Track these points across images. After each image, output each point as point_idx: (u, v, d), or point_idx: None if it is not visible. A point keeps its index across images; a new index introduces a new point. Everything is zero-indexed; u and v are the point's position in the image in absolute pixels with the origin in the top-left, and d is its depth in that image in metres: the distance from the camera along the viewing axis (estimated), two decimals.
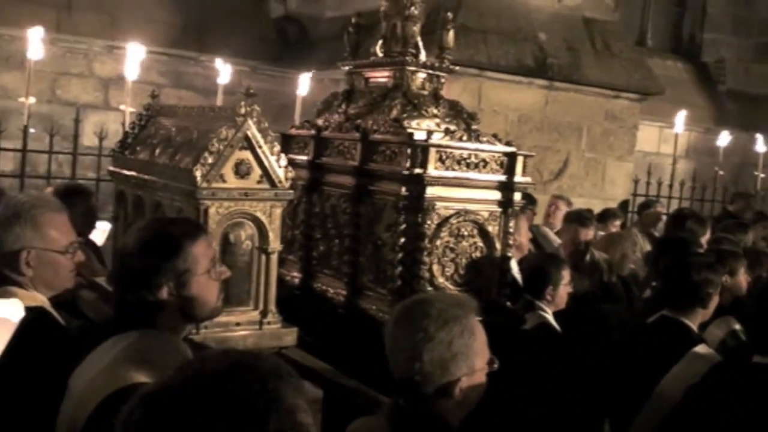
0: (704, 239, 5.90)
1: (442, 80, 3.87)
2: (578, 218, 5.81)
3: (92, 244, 4.75)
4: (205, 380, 1.18)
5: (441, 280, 3.46)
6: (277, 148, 3.20)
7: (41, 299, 2.54)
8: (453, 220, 3.45)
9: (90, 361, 2.09)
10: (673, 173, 8.64)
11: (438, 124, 3.64)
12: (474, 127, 3.71)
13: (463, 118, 3.76)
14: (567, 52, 8.11)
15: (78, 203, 4.18)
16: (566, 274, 4.22)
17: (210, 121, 3.33)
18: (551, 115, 8.07)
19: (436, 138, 3.42)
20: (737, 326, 4.05)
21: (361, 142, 3.63)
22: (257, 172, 3.15)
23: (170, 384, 1.20)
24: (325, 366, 3.48)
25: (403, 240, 3.38)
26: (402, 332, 2.17)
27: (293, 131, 4.23)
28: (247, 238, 3.19)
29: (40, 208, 2.58)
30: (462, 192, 3.45)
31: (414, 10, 3.77)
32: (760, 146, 9.11)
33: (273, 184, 3.18)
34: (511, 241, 3.63)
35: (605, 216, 6.99)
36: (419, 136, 3.43)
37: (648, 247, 6.47)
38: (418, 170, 3.33)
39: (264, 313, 3.23)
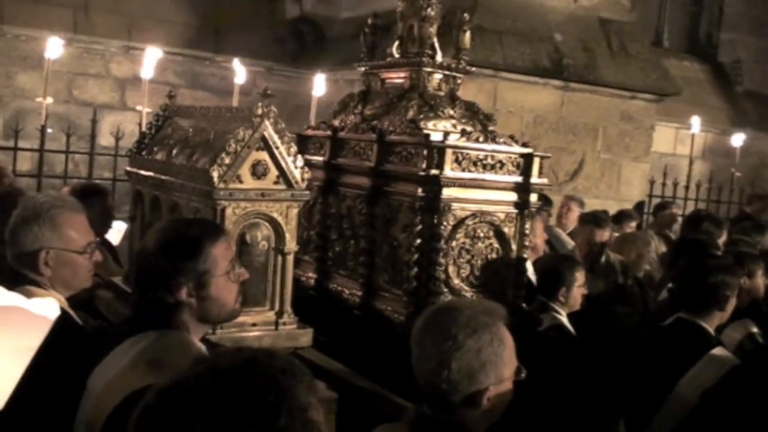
0: (721, 241, 5.86)
1: (459, 81, 3.86)
2: (593, 219, 5.79)
3: (108, 243, 4.78)
4: (219, 374, 1.20)
5: (456, 281, 3.46)
6: (294, 148, 3.21)
7: (59, 299, 2.55)
8: (469, 222, 3.44)
9: (108, 362, 2.10)
10: (689, 174, 8.59)
11: (454, 125, 3.64)
12: (490, 128, 3.71)
13: (479, 119, 3.75)
14: (583, 53, 8.08)
15: (94, 203, 4.20)
16: (580, 276, 4.21)
17: (227, 121, 3.34)
18: (567, 116, 8.05)
19: (453, 139, 3.42)
20: (755, 329, 4.03)
21: (377, 143, 3.63)
22: (274, 172, 3.16)
23: (185, 377, 1.23)
24: (341, 367, 3.48)
25: (418, 241, 3.38)
26: (429, 339, 2.12)
27: (309, 132, 4.23)
28: (264, 238, 3.20)
29: (58, 208, 2.60)
30: (478, 193, 3.44)
31: (431, 11, 3.76)
32: None
33: (289, 185, 3.19)
34: (527, 243, 3.63)
35: (621, 217, 6.96)
36: (435, 137, 3.43)
37: (663, 248, 6.44)
38: (434, 171, 3.33)
39: (280, 314, 3.24)
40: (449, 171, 3.34)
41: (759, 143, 10.10)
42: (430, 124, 3.59)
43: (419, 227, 3.38)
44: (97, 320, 3.26)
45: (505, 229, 3.53)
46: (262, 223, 3.19)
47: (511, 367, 2.14)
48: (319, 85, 6.68)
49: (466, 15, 3.91)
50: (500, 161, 3.47)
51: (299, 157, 3.23)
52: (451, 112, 3.70)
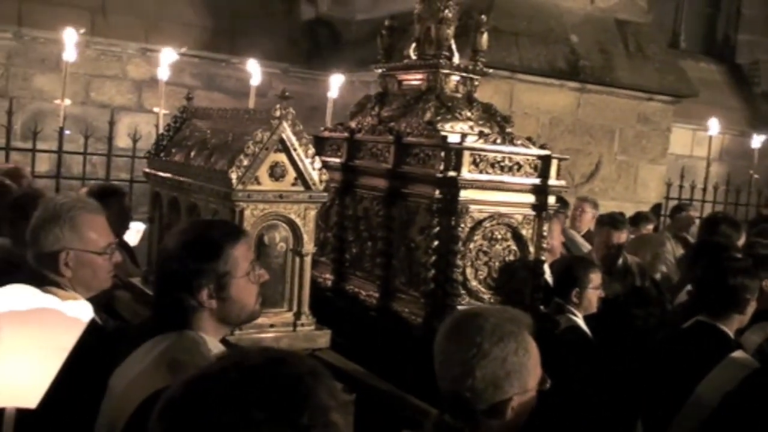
0: (739, 244, 5.82)
1: (476, 83, 3.86)
2: (611, 221, 5.77)
3: (125, 244, 4.80)
4: (245, 370, 1.21)
5: (474, 283, 3.46)
6: (312, 150, 3.21)
7: (80, 300, 2.56)
8: (486, 224, 3.44)
9: (130, 362, 2.11)
10: (706, 176, 8.53)
11: (472, 127, 3.63)
12: (508, 129, 3.70)
13: (496, 121, 3.74)
14: (599, 54, 8.06)
15: (112, 204, 4.22)
16: (595, 278, 4.19)
17: (245, 123, 3.35)
18: (583, 117, 8.02)
19: (470, 141, 3.41)
20: None
21: (394, 145, 3.63)
22: (292, 174, 3.17)
23: (211, 371, 1.24)
24: (358, 368, 3.48)
25: (436, 243, 3.38)
26: (453, 346, 2.07)
27: (326, 133, 4.24)
28: (282, 240, 3.21)
29: (78, 209, 2.61)
30: (496, 195, 3.44)
31: (448, 13, 3.76)
32: None
33: (307, 187, 3.20)
34: (544, 245, 3.62)
35: (638, 219, 6.93)
36: (453, 138, 3.43)
37: (681, 251, 6.40)
38: (451, 173, 3.33)
39: (297, 315, 3.25)
40: (467, 173, 3.34)
41: None
42: (447, 126, 3.58)
43: (437, 229, 3.38)
44: (116, 321, 3.28)
45: (523, 231, 3.52)
46: (280, 224, 3.20)
47: (536, 376, 2.09)
48: (335, 86, 6.69)
49: (483, 17, 3.91)
50: (518, 163, 3.46)
51: (317, 158, 3.23)
52: (469, 114, 3.69)
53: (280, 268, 3.22)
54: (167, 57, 6.10)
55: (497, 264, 3.50)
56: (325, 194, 3.29)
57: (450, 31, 3.80)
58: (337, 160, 4.00)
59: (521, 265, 3.54)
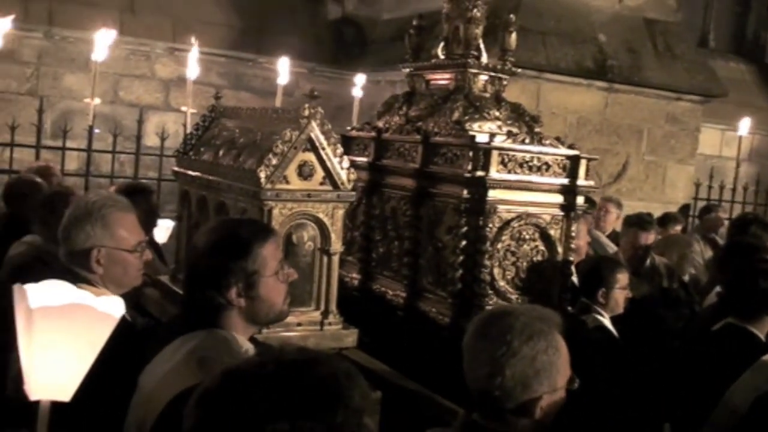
0: None
1: (504, 82, 3.84)
2: (638, 222, 5.72)
3: (153, 242, 4.83)
4: (282, 365, 1.24)
5: (502, 283, 3.44)
6: (340, 149, 3.22)
7: (112, 296, 2.58)
8: (514, 224, 3.42)
9: (159, 360, 2.12)
10: (736, 177, 8.42)
11: (500, 127, 3.62)
12: (536, 129, 3.68)
13: (525, 121, 3.73)
14: (627, 54, 8.00)
15: (140, 202, 4.24)
16: (622, 278, 4.15)
17: (273, 122, 3.36)
18: (611, 117, 7.97)
19: (498, 141, 3.40)
20: None
21: (422, 145, 3.63)
22: (320, 173, 3.18)
23: (250, 363, 1.27)
24: (385, 368, 3.48)
25: (464, 243, 3.37)
26: (483, 344, 2.07)
27: (353, 133, 4.24)
28: (310, 239, 3.22)
29: (109, 207, 2.63)
30: (524, 195, 3.42)
31: (476, 12, 3.75)
32: None
33: (335, 186, 3.20)
34: (572, 245, 3.59)
35: (666, 220, 6.87)
36: (481, 138, 3.41)
37: (709, 252, 6.33)
38: (479, 173, 3.32)
39: (325, 314, 3.26)
40: (495, 173, 3.33)
41: None
42: (475, 126, 3.57)
43: (464, 229, 3.37)
44: (144, 318, 3.30)
45: (551, 232, 3.51)
46: (308, 223, 3.21)
47: (565, 375, 2.09)
48: (361, 85, 6.69)
49: (512, 16, 3.89)
50: (546, 163, 3.44)
51: (345, 158, 3.24)
52: (497, 114, 3.68)
53: (308, 267, 3.22)
54: (194, 56, 6.13)
55: (525, 264, 3.49)
56: (353, 194, 3.30)
57: (478, 30, 3.79)
58: (365, 159, 4.00)
59: (549, 265, 3.53)
